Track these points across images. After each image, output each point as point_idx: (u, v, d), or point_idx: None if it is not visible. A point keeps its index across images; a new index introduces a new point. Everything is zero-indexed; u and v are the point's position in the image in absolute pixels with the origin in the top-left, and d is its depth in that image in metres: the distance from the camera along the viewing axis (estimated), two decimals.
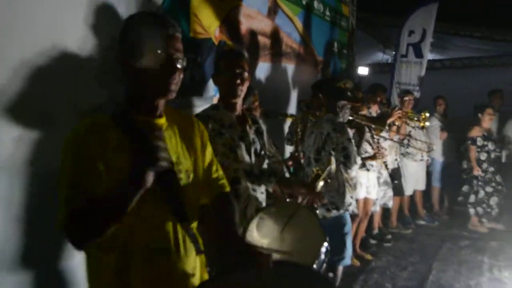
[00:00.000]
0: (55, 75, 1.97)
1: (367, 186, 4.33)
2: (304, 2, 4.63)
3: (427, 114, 5.18)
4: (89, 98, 2.11)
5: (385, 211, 5.33)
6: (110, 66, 2.17)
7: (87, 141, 1.23)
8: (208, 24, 3.21)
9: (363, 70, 5.41)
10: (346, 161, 3.04)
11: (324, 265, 2.13)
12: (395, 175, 5.18)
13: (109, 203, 1.21)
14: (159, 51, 1.27)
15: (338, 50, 5.60)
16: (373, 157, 3.86)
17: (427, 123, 5.00)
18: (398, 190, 5.30)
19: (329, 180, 2.65)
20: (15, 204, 1.82)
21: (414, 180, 5.69)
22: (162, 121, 1.38)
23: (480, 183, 5.51)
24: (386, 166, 4.18)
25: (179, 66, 1.31)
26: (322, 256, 2.03)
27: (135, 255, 1.28)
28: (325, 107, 3.27)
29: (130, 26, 1.34)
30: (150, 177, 1.21)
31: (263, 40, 3.94)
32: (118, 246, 1.27)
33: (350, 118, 3.28)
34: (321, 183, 2.55)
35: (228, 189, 1.60)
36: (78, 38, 2.11)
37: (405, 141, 5.35)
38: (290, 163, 3.15)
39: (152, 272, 1.30)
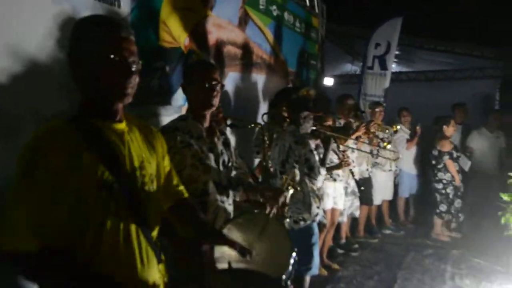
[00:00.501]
0: (16, 80, 1.91)
1: (334, 197, 4.37)
2: (275, 13, 4.68)
3: (398, 127, 5.31)
4: (51, 105, 2.04)
5: (352, 220, 5.41)
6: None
7: (45, 151, 1.16)
8: (177, 33, 3.20)
9: (328, 81, 5.47)
10: (310, 172, 3.07)
11: (292, 275, 2.15)
12: (366, 185, 5.26)
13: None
14: (111, 55, 1.24)
15: (308, 61, 5.68)
16: (339, 166, 3.91)
17: (389, 146, 5.13)
18: (366, 199, 5.40)
19: (298, 188, 2.67)
20: None
21: (383, 190, 5.80)
22: (122, 126, 1.34)
23: (458, 192, 5.63)
24: (352, 174, 4.24)
25: (133, 69, 1.27)
26: (290, 267, 2.04)
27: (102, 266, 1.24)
28: (288, 118, 3.30)
29: (81, 28, 1.29)
30: None
31: (233, 50, 3.95)
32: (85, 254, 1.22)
33: (313, 128, 3.31)
34: (290, 191, 2.57)
35: (187, 195, 1.62)
36: (40, 43, 2.06)
37: (374, 151, 5.45)
38: (257, 171, 3.15)
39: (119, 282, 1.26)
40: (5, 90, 1.87)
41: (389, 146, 5.09)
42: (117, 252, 1.25)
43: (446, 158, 5.52)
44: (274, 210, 2.22)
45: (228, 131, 2.87)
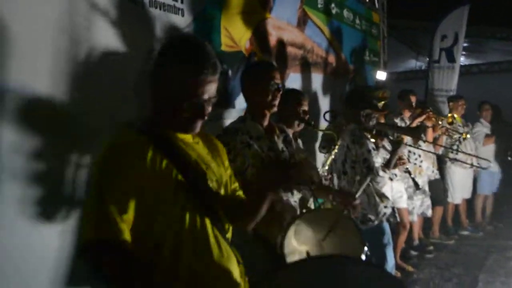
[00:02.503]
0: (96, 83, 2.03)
1: (392, 196, 4.19)
2: (333, 12, 4.62)
3: (468, 136, 5.01)
4: (126, 110, 2.13)
5: (426, 221, 5.16)
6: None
7: (125, 160, 1.25)
8: (238, 37, 3.26)
9: (381, 75, 5.23)
10: (369, 172, 2.97)
11: None
12: (436, 185, 5.07)
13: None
14: (193, 99, 1.30)
15: (370, 58, 5.54)
16: (394, 166, 3.76)
17: (468, 136, 4.89)
18: (438, 199, 5.16)
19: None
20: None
21: (461, 188, 5.50)
22: (189, 136, 1.42)
23: None
24: (409, 173, 4.05)
25: (209, 109, 1.35)
26: None
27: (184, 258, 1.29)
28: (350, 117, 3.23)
29: (172, 54, 1.34)
30: None
31: (293, 51, 3.95)
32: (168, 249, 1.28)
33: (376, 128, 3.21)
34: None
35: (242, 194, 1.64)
36: (116, 49, 2.18)
37: (454, 147, 5.19)
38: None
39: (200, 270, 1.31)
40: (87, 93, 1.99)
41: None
42: (198, 246, 1.31)
43: None
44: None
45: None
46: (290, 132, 2.76)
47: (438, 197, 5.16)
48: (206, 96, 1.32)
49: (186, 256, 1.29)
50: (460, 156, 5.13)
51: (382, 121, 4.10)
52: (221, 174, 1.48)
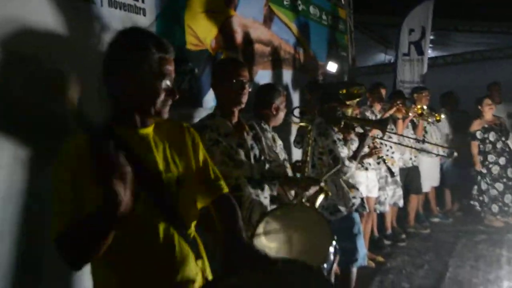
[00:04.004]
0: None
1: (367, 185, 4.29)
2: (299, 8, 4.66)
3: (442, 116, 5.16)
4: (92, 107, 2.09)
5: (399, 210, 5.27)
6: None
7: (69, 167, 1.23)
8: (203, 35, 3.25)
9: (331, 67, 5.02)
10: (335, 163, 3.02)
11: (334, 265, 2.12)
12: (413, 174, 5.21)
13: (93, 221, 1.17)
14: (152, 77, 1.28)
15: (338, 53, 5.61)
16: (369, 155, 3.84)
17: (442, 116, 5.09)
18: (415, 188, 5.30)
19: (329, 193, 2.64)
20: None
21: (430, 176, 5.64)
22: (149, 130, 1.37)
23: (488, 180, 5.43)
24: (384, 161, 4.14)
25: (171, 89, 1.33)
26: (331, 257, 2.02)
27: (133, 266, 1.27)
28: (316, 110, 3.27)
29: (123, 43, 1.32)
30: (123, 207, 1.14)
31: (260, 48, 3.96)
32: (116, 257, 1.25)
33: (343, 121, 3.26)
34: (321, 196, 2.55)
35: (226, 190, 1.57)
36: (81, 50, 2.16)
37: (421, 137, 5.33)
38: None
39: (152, 280, 1.29)
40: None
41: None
42: (145, 251, 1.28)
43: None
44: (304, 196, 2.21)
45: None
46: (268, 127, 2.79)
47: (415, 185, 5.29)
48: (168, 77, 1.31)
49: (132, 259, 1.27)
50: (426, 145, 5.28)
51: (356, 113, 4.17)
52: (184, 165, 1.42)
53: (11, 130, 1.86)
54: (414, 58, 6.50)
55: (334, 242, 1.98)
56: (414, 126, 5.26)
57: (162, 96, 1.32)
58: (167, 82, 1.32)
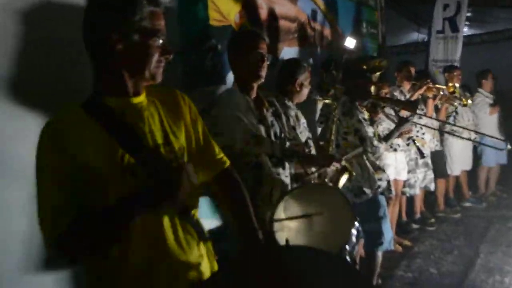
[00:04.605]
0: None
1: (395, 167, 4.15)
2: None
3: (469, 101, 4.93)
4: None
5: (429, 195, 5.11)
6: None
7: (63, 142, 1.10)
8: (227, 10, 3.16)
9: (349, 42, 4.48)
10: (362, 143, 2.91)
11: (357, 247, 2.05)
12: (437, 157, 5.01)
13: (110, 217, 1.10)
14: (144, 34, 1.15)
15: (367, 30, 5.40)
16: (398, 135, 3.69)
17: (469, 101, 4.79)
18: (441, 172, 5.11)
19: (354, 174, 2.54)
20: None
21: (461, 159, 5.43)
22: (141, 99, 1.23)
23: None
24: (414, 142, 3.97)
25: (165, 46, 1.19)
26: (353, 239, 1.95)
27: (134, 254, 1.17)
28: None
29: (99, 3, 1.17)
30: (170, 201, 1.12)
31: (286, 24, 3.84)
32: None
33: (371, 101, 3.13)
34: (345, 176, 2.45)
35: (228, 163, 1.47)
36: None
37: (451, 119, 5.12)
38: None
39: (152, 267, 1.19)
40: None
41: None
42: (148, 237, 1.17)
43: None
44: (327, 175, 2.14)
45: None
46: (291, 104, 2.71)
47: (440, 169, 5.11)
48: (161, 34, 1.17)
49: (135, 244, 1.16)
50: (457, 128, 5.06)
51: (386, 92, 4.00)
52: (184, 136, 1.30)
53: None
54: (448, 35, 6.19)
55: (356, 224, 1.91)
56: (437, 110, 5.04)
57: (156, 56, 1.18)
58: (160, 39, 1.18)
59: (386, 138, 3.26)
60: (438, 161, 5.06)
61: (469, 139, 5.19)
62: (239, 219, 1.39)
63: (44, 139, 1.12)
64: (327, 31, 4.47)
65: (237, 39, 2.24)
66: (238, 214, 1.40)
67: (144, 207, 1.13)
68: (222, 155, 1.45)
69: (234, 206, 1.42)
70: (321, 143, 2.87)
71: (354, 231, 1.93)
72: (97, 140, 1.13)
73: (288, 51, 3.86)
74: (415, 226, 4.77)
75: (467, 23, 7.09)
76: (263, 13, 3.54)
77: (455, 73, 5.11)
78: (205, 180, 1.40)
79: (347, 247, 1.89)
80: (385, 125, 3.86)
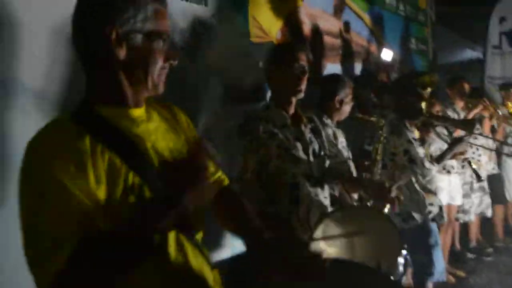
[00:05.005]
0: None
1: (449, 191, 3.86)
2: None
3: None
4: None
5: (486, 221, 4.73)
6: None
7: (59, 158, 0.91)
8: (268, 27, 3.11)
9: (386, 54, 4.25)
10: (412, 165, 2.70)
11: (404, 278, 1.87)
12: (495, 181, 4.65)
13: (130, 233, 0.91)
14: (148, 36, 1.01)
15: (416, 46, 5.18)
16: (451, 157, 3.43)
17: None
18: (498, 197, 4.73)
19: (402, 199, 2.33)
20: None
21: None
22: (141, 111, 1.08)
23: None
24: (469, 163, 3.66)
25: (171, 50, 1.06)
26: (401, 268, 1.77)
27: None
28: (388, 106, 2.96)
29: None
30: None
31: (330, 41, 3.74)
32: None
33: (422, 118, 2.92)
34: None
35: (227, 182, 1.33)
36: None
37: (510, 140, 4.75)
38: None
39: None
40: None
41: None
42: (153, 261, 0.99)
43: None
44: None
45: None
46: (330, 122, 2.59)
47: (498, 194, 4.73)
48: (166, 36, 1.03)
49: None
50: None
51: (438, 110, 3.75)
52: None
53: None
54: (506, 50, 5.82)
55: (404, 252, 1.73)
56: (494, 130, 4.68)
57: (160, 62, 1.04)
58: (165, 43, 1.04)
59: (438, 159, 3.03)
60: (496, 185, 4.71)
61: None
62: (242, 225, 1.24)
63: (35, 157, 0.94)
64: (373, 47, 4.32)
65: (276, 51, 2.14)
66: (241, 223, 1.24)
67: (165, 210, 0.95)
68: (220, 173, 1.31)
69: (236, 220, 1.27)
70: (366, 163, 2.69)
71: (401, 260, 1.75)
72: (96, 156, 0.95)
73: (332, 68, 3.75)
74: (470, 255, 4.43)
75: None
76: (306, 29, 3.46)
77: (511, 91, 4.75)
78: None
79: (391, 278, 1.71)
80: (437, 146, 3.61)
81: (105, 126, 1.00)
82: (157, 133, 1.09)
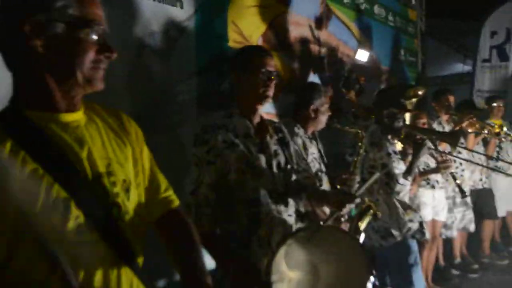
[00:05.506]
0: None
1: (434, 206, 3.75)
2: (362, 7, 4.26)
3: None
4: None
5: (471, 237, 4.62)
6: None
7: None
8: (249, 32, 3.00)
9: (361, 55, 3.98)
10: (389, 181, 2.59)
11: None
12: (484, 196, 4.56)
13: None
14: (73, 25, 0.90)
15: (405, 58, 5.10)
16: (436, 170, 3.31)
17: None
18: (488, 213, 4.63)
19: (379, 214, 2.22)
20: None
21: (506, 199, 4.90)
22: (78, 116, 0.98)
23: None
24: (454, 178, 3.54)
25: (105, 42, 0.95)
26: None
27: None
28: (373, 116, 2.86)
29: None
30: None
31: (315, 49, 3.64)
32: None
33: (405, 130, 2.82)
34: (367, 218, 2.15)
35: (177, 203, 1.20)
36: None
37: (494, 154, 4.67)
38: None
39: None
40: None
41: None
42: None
43: None
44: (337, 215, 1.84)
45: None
46: (302, 132, 2.48)
47: (489, 209, 4.63)
48: (97, 26, 0.94)
49: None
50: (501, 164, 4.58)
51: (424, 122, 3.65)
52: (131, 166, 1.06)
53: None
54: (496, 64, 5.78)
55: (372, 278, 1.61)
56: (486, 143, 4.61)
57: (92, 54, 0.94)
58: (96, 33, 0.94)
59: (408, 170, 2.86)
60: (486, 200, 4.60)
61: None
62: (183, 268, 1.11)
63: None
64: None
65: (241, 56, 1.97)
66: (182, 261, 1.11)
67: None
68: (170, 193, 1.19)
69: (178, 252, 1.13)
70: (344, 176, 2.57)
71: (369, 285, 1.62)
72: (18, 165, 0.87)
73: (316, 77, 3.64)
74: (455, 272, 4.30)
75: None
76: (290, 36, 3.36)
77: (494, 104, 4.71)
78: (148, 220, 1.13)
79: None
80: (422, 159, 3.50)
81: (30, 131, 0.90)
82: (95, 141, 0.99)
